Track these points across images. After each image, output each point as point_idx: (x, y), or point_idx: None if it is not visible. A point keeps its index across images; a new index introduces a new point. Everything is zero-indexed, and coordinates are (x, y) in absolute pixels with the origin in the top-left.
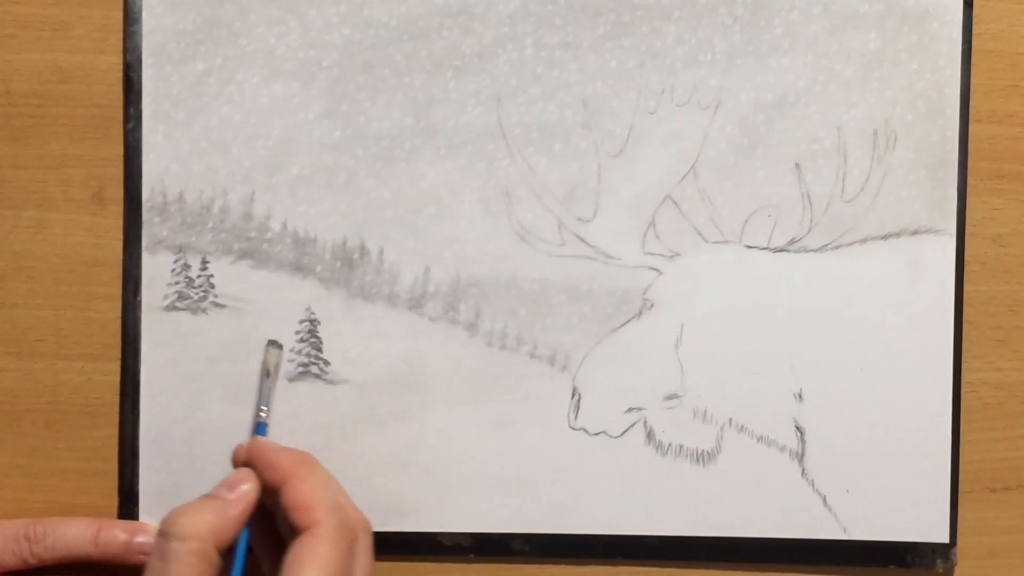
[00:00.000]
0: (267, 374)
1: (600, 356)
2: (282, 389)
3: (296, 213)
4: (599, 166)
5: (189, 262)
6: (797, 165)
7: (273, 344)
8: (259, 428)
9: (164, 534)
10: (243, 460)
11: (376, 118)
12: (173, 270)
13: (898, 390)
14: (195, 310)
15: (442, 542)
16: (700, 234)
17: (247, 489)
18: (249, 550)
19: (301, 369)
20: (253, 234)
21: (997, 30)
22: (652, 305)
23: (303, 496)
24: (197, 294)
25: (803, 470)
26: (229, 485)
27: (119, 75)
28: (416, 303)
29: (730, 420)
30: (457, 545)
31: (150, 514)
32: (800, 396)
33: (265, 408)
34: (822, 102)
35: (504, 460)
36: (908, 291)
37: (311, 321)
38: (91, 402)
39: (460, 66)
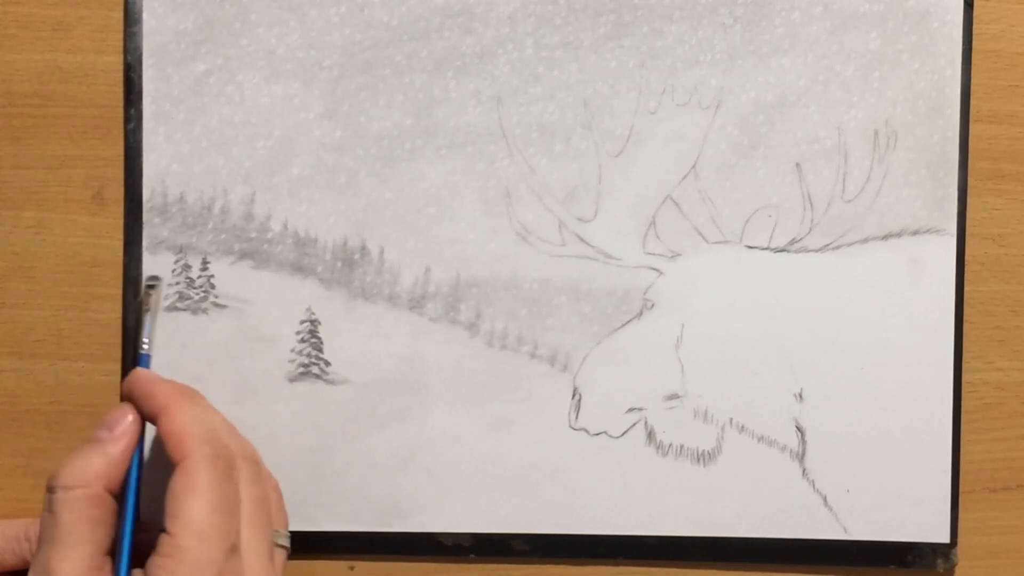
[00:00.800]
0: (146, 310)
1: (600, 356)
2: (282, 389)
3: (297, 213)
4: (600, 166)
5: (190, 262)
6: (797, 165)
7: (152, 282)
8: (140, 359)
9: (50, 487)
10: (125, 394)
11: (377, 118)
12: (174, 270)
13: (898, 390)
14: (196, 310)
15: (442, 542)
16: (701, 234)
17: (127, 424)
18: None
19: (302, 369)
20: (254, 234)
21: (997, 30)
22: (652, 305)
23: (175, 426)
24: (198, 294)
25: (803, 470)
26: (109, 425)
27: (119, 75)
28: (417, 303)
29: (731, 420)
30: (457, 545)
31: (149, 514)
32: (800, 396)
33: (147, 340)
34: (822, 102)
35: (504, 460)
36: (908, 291)
37: (312, 321)
38: (92, 402)
39: (461, 66)
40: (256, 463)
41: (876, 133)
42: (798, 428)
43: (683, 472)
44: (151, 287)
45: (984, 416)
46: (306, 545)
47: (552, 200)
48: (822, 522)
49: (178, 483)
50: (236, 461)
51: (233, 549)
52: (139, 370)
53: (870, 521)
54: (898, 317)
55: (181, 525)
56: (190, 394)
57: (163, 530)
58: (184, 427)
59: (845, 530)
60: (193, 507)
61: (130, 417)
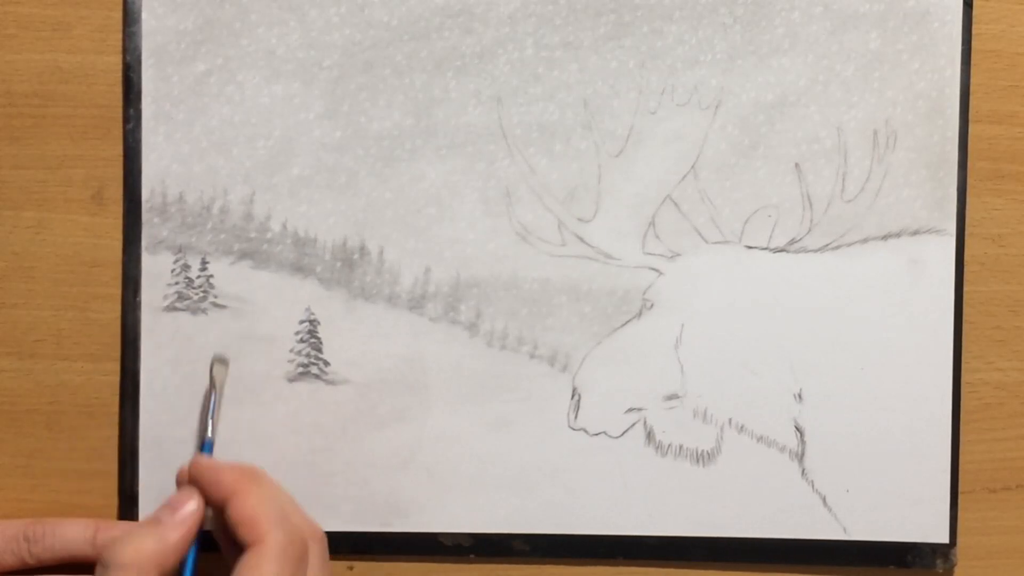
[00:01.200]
0: (213, 388)
1: (600, 356)
2: (281, 389)
3: (296, 213)
4: (599, 166)
5: (189, 262)
6: (797, 165)
7: (220, 360)
8: (205, 446)
9: (104, 564)
10: (189, 480)
11: (377, 118)
12: (173, 270)
13: (898, 390)
14: (195, 310)
15: (442, 542)
16: (700, 234)
17: (189, 511)
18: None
19: (301, 369)
20: (253, 234)
21: (997, 30)
22: (652, 305)
23: (246, 512)
24: (197, 294)
25: (803, 470)
26: (172, 507)
27: (119, 75)
28: (416, 303)
29: (730, 420)
30: (457, 545)
31: None
32: (800, 396)
33: (211, 424)
34: (822, 102)
35: (504, 460)
36: (908, 291)
37: (311, 321)
38: (91, 402)
39: (461, 66)
40: (323, 543)
41: (876, 133)
42: (797, 428)
43: (682, 472)
44: (219, 364)
45: (984, 416)
46: None
47: (552, 200)
48: (822, 522)
49: (245, 569)
50: (308, 544)
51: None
52: (200, 457)
53: (870, 521)
54: (898, 317)
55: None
56: (257, 476)
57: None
58: (255, 511)
59: (845, 530)
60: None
61: (194, 504)
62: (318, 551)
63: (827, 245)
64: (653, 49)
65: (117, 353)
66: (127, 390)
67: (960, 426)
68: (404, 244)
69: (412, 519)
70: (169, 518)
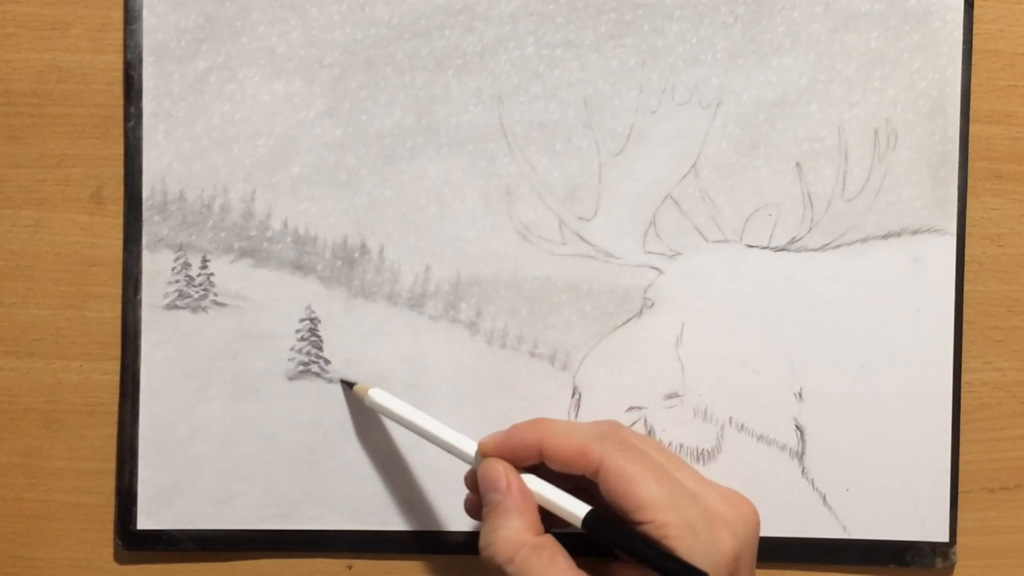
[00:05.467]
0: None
1: (601, 355)
2: (282, 387)
3: (297, 211)
4: (600, 165)
5: (189, 260)
6: (798, 164)
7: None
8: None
9: (495, 568)
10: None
11: (377, 116)
12: (173, 268)
13: (898, 390)
14: (195, 308)
15: (442, 540)
16: (701, 233)
17: (505, 476)
18: None
19: (301, 367)
20: (254, 232)
21: (997, 30)
22: (653, 304)
23: (562, 450)
24: (197, 292)
25: (803, 469)
26: (493, 487)
27: (118, 74)
28: (417, 302)
29: (730, 419)
30: (456, 543)
31: (148, 514)
32: (800, 395)
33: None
34: (823, 101)
35: None
36: (909, 290)
37: (311, 320)
38: (90, 401)
39: (462, 65)
40: (621, 426)
41: (877, 132)
42: (798, 427)
43: None
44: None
45: (983, 416)
46: (305, 544)
47: (553, 199)
48: (821, 521)
49: (617, 484)
50: (621, 433)
51: (690, 492)
52: (485, 448)
53: (869, 520)
54: (898, 316)
55: (653, 509)
56: (538, 422)
57: (640, 523)
58: (569, 443)
59: (844, 529)
60: (643, 491)
61: (501, 468)
62: (627, 431)
63: (828, 244)
64: (654, 48)
65: (115, 352)
66: (127, 389)
67: (959, 426)
68: (405, 242)
69: (411, 517)
70: (499, 495)
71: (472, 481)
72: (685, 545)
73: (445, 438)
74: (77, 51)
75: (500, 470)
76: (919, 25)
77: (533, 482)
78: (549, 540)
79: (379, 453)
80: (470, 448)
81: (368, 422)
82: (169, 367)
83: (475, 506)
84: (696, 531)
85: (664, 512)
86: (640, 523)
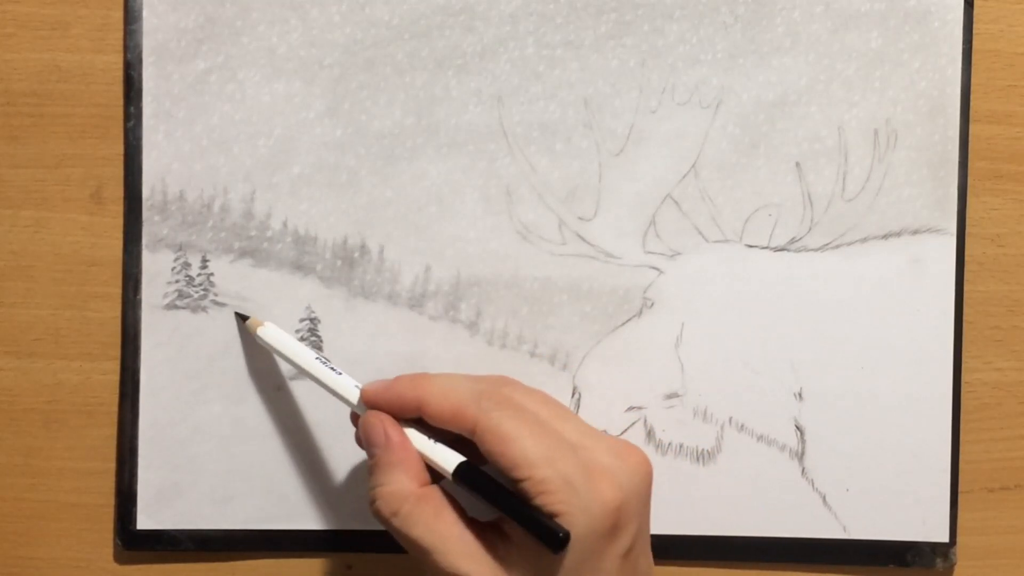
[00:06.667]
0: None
1: (600, 355)
2: (282, 387)
3: (297, 212)
4: (600, 165)
5: (189, 260)
6: (798, 164)
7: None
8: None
9: (381, 520)
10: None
11: (378, 117)
12: (173, 268)
13: (898, 390)
14: (195, 308)
15: None
16: (701, 233)
17: (386, 429)
18: None
19: None
20: (254, 232)
21: (997, 30)
22: (653, 304)
23: (441, 407)
24: (197, 292)
25: (803, 469)
26: (373, 441)
27: (118, 74)
28: (417, 302)
29: (730, 419)
30: None
31: (148, 514)
32: (800, 395)
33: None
34: (823, 101)
35: None
36: (909, 290)
37: (311, 320)
38: (89, 401)
39: (462, 65)
40: (508, 381)
41: (876, 132)
42: (798, 427)
43: (682, 471)
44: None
45: (982, 416)
46: (304, 543)
47: (553, 199)
48: (821, 521)
49: (492, 444)
50: (503, 390)
51: (570, 445)
52: (367, 396)
53: (869, 520)
54: (898, 316)
55: (529, 465)
56: (419, 376)
57: (518, 480)
58: (446, 403)
59: (844, 529)
60: (518, 449)
61: (380, 423)
62: (512, 384)
63: (827, 244)
64: (654, 48)
65: (115, 352)
66: (127, 389)
67: (959, 426)
68: (405, 243)
69: None
70: (380, 449)
71: (357, 419)
72: (561, 500)
73: (328, 382)
74: (77, 51)
75: (379, 425)
76: (919, 25)
77: (412, 434)
78: (435, 491)
79: None
80: (353, 395)
81: None
82: (169, 367)
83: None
84: (573, 484)
85: (540, 468)
86: (518, 480)
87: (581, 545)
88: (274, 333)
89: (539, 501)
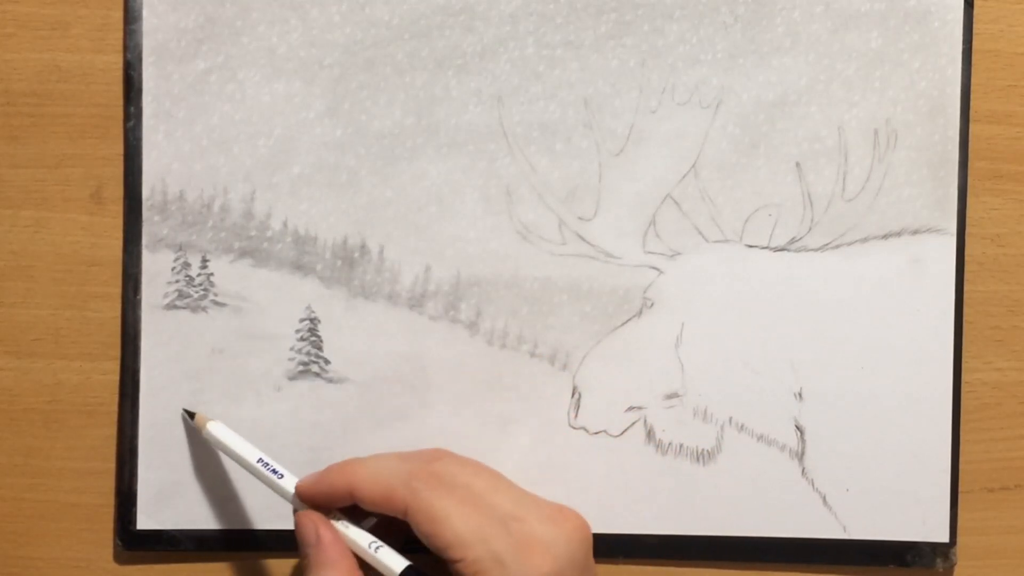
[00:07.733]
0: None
1: (600, 355)
2: (282, 387)
3: (297, 212)
4: (600, 165)
5: (189, 260)
6: (798, 164)
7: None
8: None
9: None
10: (304, 505)
11: (378, 117)
12: (173, 268)
13: (898, 390)
14: (195, 308)
15: None
16: (701, 233)
17: (317, 530)
18: None
19: (301, 368)
20: (254, 232)
21: (997, 30)
22: (652, 304)
23: (371, 492)
24: (197, 292)
25: (803, 469)
26: (306, 540)
27: (118, 74)
28: (417, 302)
29: (730, 419)
30: None
31: (148, 514)
32: (800, 395)
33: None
34: (823, 101)
35: (504, 459)
36: (909, 290)
37: (311, 320)
38: (89, 401)
39: (462, 65)
40: (440, 455)
41: (876, 132)
42: (798, 427)
43: (682, 471)
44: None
45: (982, 416)
46: None
47: (553, 199)
48: (821, 521)
49: (424, 525)
50: (434, 467)
51: (502, 519)
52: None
53: (869, 520)
54: (898, 316)
55: (461, 545)
56: (349, 463)
57: (453, 561)
58: (376, 488)
59: (844, 529)
60: (449, 530)
61: (310, 522)
62: (446, 458)
63: (828, 244)
64: (654, 48)
65: (115, 352)
66: (127, 389)
67: (960, 426)
68: (405, 242)
69: None
70: (313, 549)
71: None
72: None
73: (268, 480)
74: (77, 51)
75: (310, 525)
76: (919, 25)
77: (352, 532)
78: None
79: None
80: (290, 489)
81: (368, 421)
82: (169, 367)
83: None
84: (504, 562)
85: (472, 548)
86: (453, 561)
87: None
88: (221, 431)
89: None
